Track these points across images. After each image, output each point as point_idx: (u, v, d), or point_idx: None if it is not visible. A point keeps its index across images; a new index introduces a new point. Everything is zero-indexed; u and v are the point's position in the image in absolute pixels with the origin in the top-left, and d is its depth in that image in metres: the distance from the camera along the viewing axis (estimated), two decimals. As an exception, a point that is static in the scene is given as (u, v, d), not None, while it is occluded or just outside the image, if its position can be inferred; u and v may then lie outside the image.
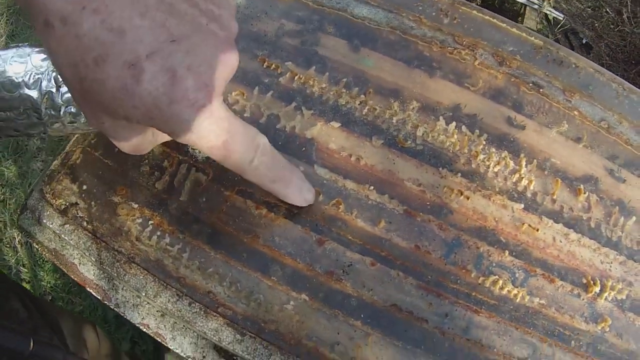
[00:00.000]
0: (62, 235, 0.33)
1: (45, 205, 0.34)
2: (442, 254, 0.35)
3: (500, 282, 0.35)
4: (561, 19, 1.14)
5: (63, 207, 0.34)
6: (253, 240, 0.34)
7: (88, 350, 0.52)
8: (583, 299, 0.36)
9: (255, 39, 0.39)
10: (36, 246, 0.35)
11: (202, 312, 0.32)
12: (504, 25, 0.43)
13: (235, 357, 0.31)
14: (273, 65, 0.38)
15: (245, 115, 0.37)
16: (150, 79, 0.22)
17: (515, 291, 0.35)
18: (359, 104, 0.38)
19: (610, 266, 0.37)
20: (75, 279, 0.34)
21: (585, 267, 0.37)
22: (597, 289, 0.36)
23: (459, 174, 0.37)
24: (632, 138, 0.41)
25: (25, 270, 1.01)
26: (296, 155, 0.36)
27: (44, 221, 0.34)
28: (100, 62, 0.21)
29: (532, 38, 0.43)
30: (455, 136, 0.38)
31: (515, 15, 1.18)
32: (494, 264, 0.35)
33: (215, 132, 0.24)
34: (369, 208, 0.35)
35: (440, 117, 0.38)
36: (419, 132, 0.37)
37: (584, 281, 0.36)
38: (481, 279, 0.35)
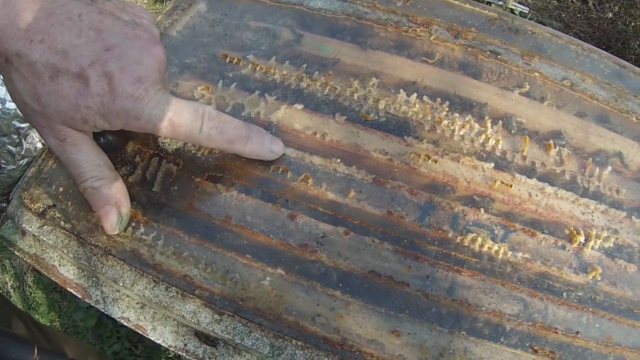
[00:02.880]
0: (42, 237, 0.34)
1: (24, 210, 0.36)
2: (416, 217, 0.35)
3: (480, 239, 0.35)
4: (527, 12, 1.18)
5: (41, 210, 0.35)
6: (225, 222, 0.34)
7: None
8: (569, 250, 0.36)
9: (217, 38, 0.42)
10: (18, 254, 0.36)
11: (179, 296, 0.32)
12: (457, 2, 0.46)
13: (217, 342, 0.31)
14: (235, 60, 0.41)
15: (211, 107, 0.38)
16: (95, 83, 0.28)
17: (496, 247, 0.35)
18: (319, 86, 0.39)
19: (592, 216, 0.38)
20: (57, 280, 0.35)
21: (566, 219, 0.37)
22: (581, 238, 0.36)
23: (425, 140, 0.38)
24: (597, 93, 0.43)
25: (22, 316, 1.02)
26: (263, 139, 0.37)
27: (24, 225, 0.35)
28: (54, 78, 0.28)
29: (486, 11, 0.45)
30: (417, 106, 0.39)
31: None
32: (471, 223, 0.36)
33: (158, 114, 0.29)
34: (337, 180, 0.36)
35: (401, 90, 0.40)
36: (381, 105, 0.39)
37: (567, 232, 0.37)
38: (459, 238, 0.35)
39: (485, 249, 0.35)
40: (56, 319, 1.03)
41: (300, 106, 0.39)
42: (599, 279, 0.36)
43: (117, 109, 0.28)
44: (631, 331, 0.35)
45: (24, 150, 0.39)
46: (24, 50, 0.27)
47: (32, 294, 1.05)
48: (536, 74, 0.43)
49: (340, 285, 0.33)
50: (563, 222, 0.37)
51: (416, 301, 0.33)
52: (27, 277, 1.05)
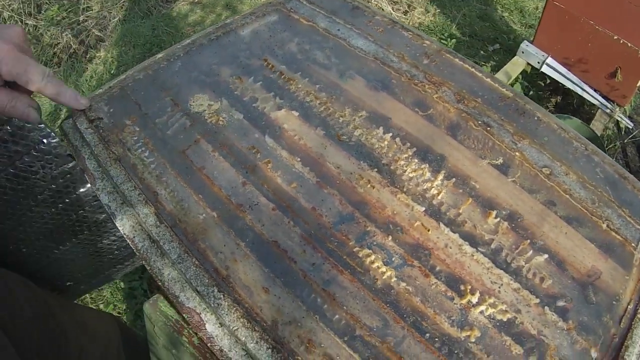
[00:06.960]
0: (84, 135, 0.58)
1: (81, 114, 0.60)
2: (333, 221, 0.49)
3: (373, 257, 0.47)
4: (631, 127, 1.24)
5: (92, 118, 0.59)
6: (199, 170, 0.53)
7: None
8: (455, 303, 0.45)
9: (268, 45, 0.63)
10: (65, 143, 0.60)
11: (143, 200, 0.52)
12: (480, 75, 0.58)
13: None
14: (270, 65, 0.61)
15: (235, 92, 0.59)
16: None
17: (384, 269, 0.46)
18: (319, 103, 0.57)
19: (500, 288, 0.46)
20: (80, 165, 0.57)
21: (471, 279, 0.46)
22: (473, 299, 0.45)
23: (375, 170, 0.51)
24: (574, 189, 0.50)
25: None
26: (258, 125, 0.56)
27: (77, 122, 0.59)
28: None
29: (503, 89, 0.57)
30: (386, 143, 0.53)
31: (590, 117, 1.34)
32: (375, 243, 0.47)
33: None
34: (290, 172, 0.52)
35: (381, 127, 0.54)
36: (357, 133, 0.54)
37: (462, 288, 0.45)
38: (357, 249, 0.47)
39: (374, 266, 0.46)
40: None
41: (296, 113, 0.56)
42: (473, 340, 0.43)
43: None
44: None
45: None
46: None
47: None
48: (518, 153, 0.52)
49: (247, 240, 0.48)
50: (465, 279, 0.46)
51: (294, 276, 0.46)
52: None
